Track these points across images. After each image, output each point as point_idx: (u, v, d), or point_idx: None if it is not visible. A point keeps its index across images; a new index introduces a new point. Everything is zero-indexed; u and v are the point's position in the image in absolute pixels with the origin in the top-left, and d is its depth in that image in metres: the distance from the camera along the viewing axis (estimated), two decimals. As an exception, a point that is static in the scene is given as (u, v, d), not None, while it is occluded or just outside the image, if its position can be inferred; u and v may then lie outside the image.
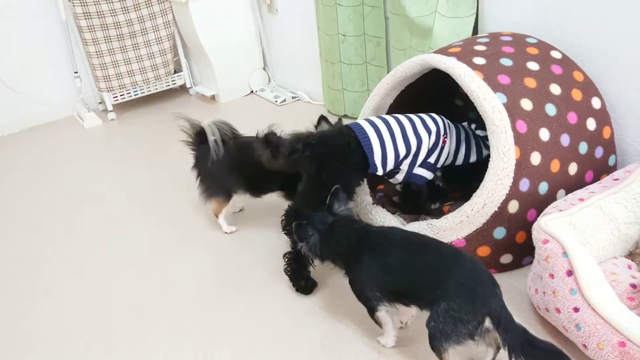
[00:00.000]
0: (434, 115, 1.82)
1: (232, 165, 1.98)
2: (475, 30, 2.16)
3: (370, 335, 1.54)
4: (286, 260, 1.74)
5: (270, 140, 1.66)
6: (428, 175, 1.80)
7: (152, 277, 1.93)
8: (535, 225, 1.45)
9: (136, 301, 1.82)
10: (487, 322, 1.24)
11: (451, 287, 1.27)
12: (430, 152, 1.77)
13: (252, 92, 3.54)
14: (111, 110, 3.41)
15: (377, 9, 2.53)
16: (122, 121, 3.40)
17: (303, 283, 1.73)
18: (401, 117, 1.76)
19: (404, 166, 1.76)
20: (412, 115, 1.78)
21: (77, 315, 1.79)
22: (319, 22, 2.86)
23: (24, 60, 3.31)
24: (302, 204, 1.69)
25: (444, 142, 1.80)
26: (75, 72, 3.40)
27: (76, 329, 1.72)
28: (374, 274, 1.40)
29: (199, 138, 2.01)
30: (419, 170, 1.78)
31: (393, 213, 1.88)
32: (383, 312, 1.44)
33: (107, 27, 3.20)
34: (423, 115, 1.79)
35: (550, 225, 1.41)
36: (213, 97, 3.51)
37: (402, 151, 1.71)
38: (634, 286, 1.38)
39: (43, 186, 2.69)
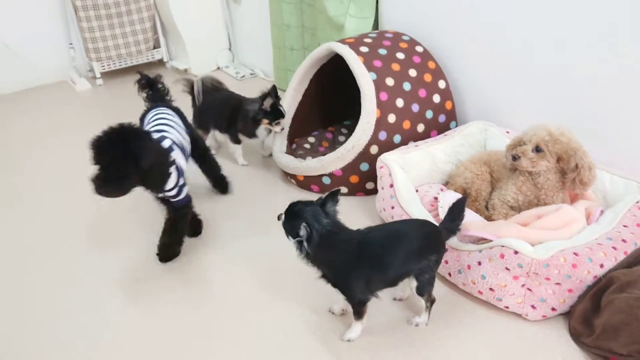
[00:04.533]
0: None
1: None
2: (375, 28, 2.92)
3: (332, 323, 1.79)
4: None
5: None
6: (183, 162, 2.07)
7: (142, 239, 2.25)
8: (378, 158, 2.23)
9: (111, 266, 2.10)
10: None
11: None
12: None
13: (218, 68, 4.26)
14: (99, 77, 4.11)
15: (312, 6, 3.26)
16: (108, 86, 4.10)
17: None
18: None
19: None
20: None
21: (73, 278, 2.06)
22: (270, 14, 3.58)
23: (28, 31, 3.97)
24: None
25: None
26: (70, 44, 4.08)
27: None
28: (369, 274, 1.55)
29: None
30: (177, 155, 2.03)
31: (302, 157, 2.63)
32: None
33: (98, 7, 3.88)
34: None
35: (387, 158, 2.19)
36: (185, 70, 4.22)
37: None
38: (435, 198, 2.16)
39: (39, 140, 3.25)
